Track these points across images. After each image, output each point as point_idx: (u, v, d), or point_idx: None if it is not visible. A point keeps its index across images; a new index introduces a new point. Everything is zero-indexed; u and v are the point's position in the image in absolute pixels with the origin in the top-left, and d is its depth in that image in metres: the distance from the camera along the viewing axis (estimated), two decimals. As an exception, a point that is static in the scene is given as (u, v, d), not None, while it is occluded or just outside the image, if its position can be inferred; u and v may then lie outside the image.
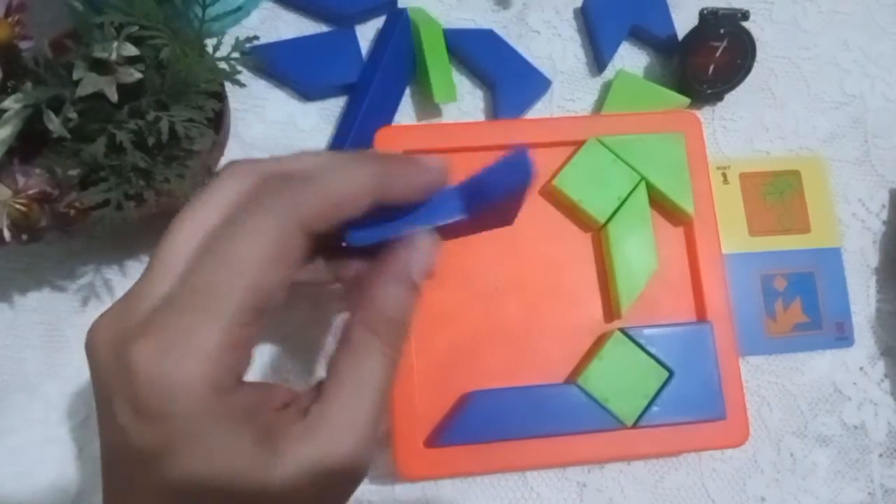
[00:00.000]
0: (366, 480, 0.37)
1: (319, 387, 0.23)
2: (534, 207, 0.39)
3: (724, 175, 0.42)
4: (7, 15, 0.31)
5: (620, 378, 0.35)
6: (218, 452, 0.20)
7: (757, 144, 0.44)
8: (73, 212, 0.32)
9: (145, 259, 0.39)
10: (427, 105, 0.42)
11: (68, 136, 0.31)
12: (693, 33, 0.42)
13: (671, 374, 0.35)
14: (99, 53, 0.30)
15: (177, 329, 0.20)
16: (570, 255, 0.38)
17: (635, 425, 0.35)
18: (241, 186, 0.22)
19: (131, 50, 0.31)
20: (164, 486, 0.20)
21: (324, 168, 0.23)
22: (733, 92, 0.43)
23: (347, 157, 0.24)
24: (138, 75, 0.31)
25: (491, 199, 0.24)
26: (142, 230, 0.38)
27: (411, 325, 0.25)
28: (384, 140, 0.37)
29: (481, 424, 0.34)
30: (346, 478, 0.22)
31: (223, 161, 0.39)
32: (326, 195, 0.22)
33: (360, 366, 0.23)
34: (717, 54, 0.42)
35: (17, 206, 0.30)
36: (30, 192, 0.31)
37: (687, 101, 0.42)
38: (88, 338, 0.22)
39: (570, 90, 0.44)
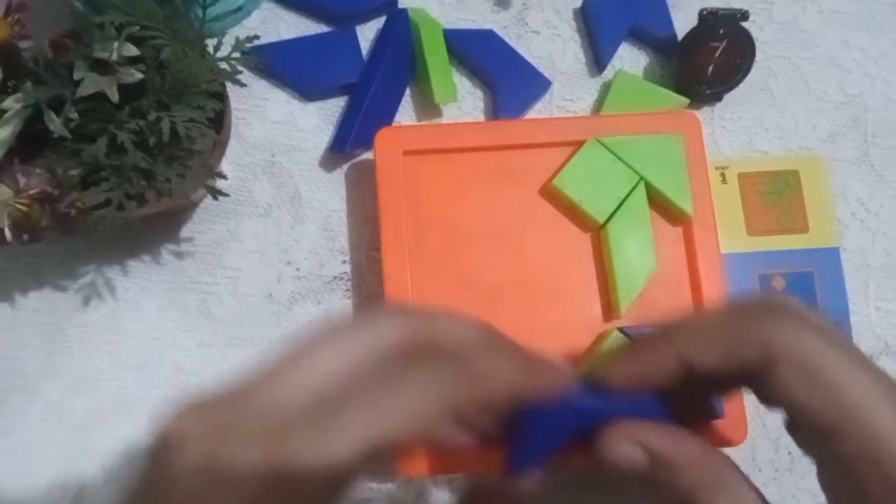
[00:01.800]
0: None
1: None
2: (534, 207, 0.39)
3: (723, 175, 0.42)
4: (7, 14, 0.31)
5: None
6: None
7: (756, 144, 0.44)
8: (74, 212, 0.32)
9: (146, 258, 0.39)
10: (427, 105, 0.42)
11: (69, 136, 0.31)
12: (692, 34, 0.42)
13: (670, 373, 0.35)
14: (100, 53, 0.30)
15: (301, 447, 0.18)
16: (570, 255, 0.38)
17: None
18: (395, 334, 0.22)
19: (132, 50, 0.31)
20: None
21: (476, 352, 0.23)
22: (733, 92, 0.43)
23: (496, 343, 0.24)
24: (139, 75, 0.31)
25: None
26: (143, 230, 0.38)
27: None
28: (384, 140, 0.38)
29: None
30: None
31: (224, 161, 0.39)
32: (481, 386, 0.22)
33: None
34: (717, 55, 0.42)
35: (19, 206, 0.30)
36: (31, 192, 0.31)
37: (686, 101, 0.42)
38: (173, 422, 0.19)
39: (569, 90, 0.44)
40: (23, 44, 0.31)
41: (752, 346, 0.22)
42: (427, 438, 0.21)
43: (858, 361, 0.22)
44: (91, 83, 0.30)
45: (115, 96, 0.31)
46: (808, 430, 0.22)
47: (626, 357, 0.26)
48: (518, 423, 0.26)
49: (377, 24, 0.43)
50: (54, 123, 0.30)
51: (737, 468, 0.25)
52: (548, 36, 0.44)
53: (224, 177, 0.37)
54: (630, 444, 0.25)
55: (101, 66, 0.31)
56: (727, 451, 0.39)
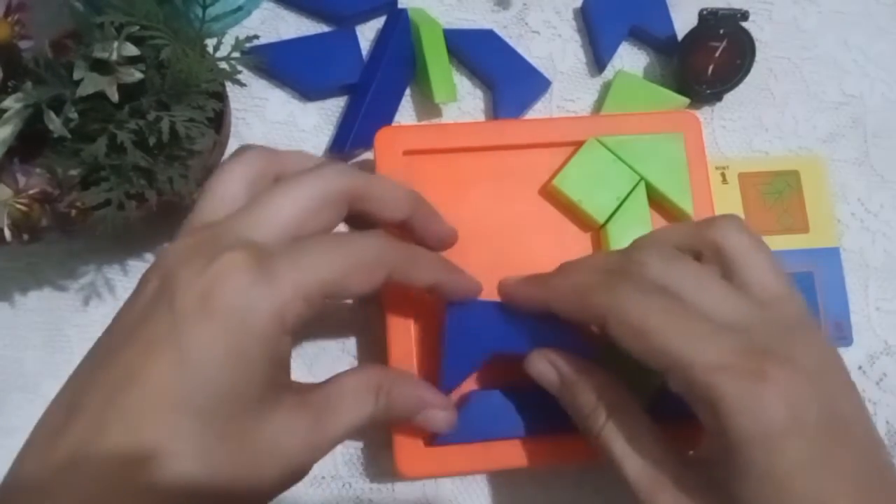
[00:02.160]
0: (366, 479, 0.37)
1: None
2: (534, 207, 0.39)
3: (723, 175, 0.42)
4: (7, 14, 0.31)
5: (619, 377, 0.35)
6: (250, 390, 0.22)
7: (756, 144, 0.44)
8: (73, 212, 0.32)
9: (147, 258, 0.39)
10: (427, 105, 0.42)
11: (69, 135, 0.31)
12: (692, 34, 0.42)
13: (670, 373, 0.36)
14: (99, 53, 0.30)
15: (280, 262, 0.23)
16: (570, 255, 0.38)
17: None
18: (340, 185, 0.27)
19: (132, 50, 0.31)
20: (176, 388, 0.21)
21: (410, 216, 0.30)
22: (733, 92, 0.43)
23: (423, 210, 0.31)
24: (139, 75, 0.31)
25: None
26: (143, 230, 0.38)
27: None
28: (384, 140, 0.38)
29: (482, 423, 0.34)
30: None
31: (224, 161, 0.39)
32: (413, 265, 0.28)
33: (348, 407, 0.26)
34: (717, 55, 0.42)
35: (18, 205, 0.30)
36: (30, 191, 0.31)
37: (686, 101, 0.42)
38: (166, 251, 0.24)
39: (569, 90, 0.44)
40: (23, 44, 0.31)
41: (592, 309, 0.27)
42: (361, 288, 0.25)
43: (674, 312, 0.26)
44: (91, 83, 0.30)
45: (114, 96, 0.31)
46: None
47: (511, 282, 0.32)
48: (447, 341, 0.32)
49: (377, 24, 0.43)
50: (54, 123, 0.30)
51: (634, 402, 0.29)
52: (548, 36, 0.44)
53: (224, 177, 0.37)
54: (545, 363, 0.30)
55: (101, 66, 0.31)
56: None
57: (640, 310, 0.26)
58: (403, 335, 0.35)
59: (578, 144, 0.38)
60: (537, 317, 0.31)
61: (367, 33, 0.43)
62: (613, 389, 0.29)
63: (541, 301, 0.30)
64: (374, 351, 0.38)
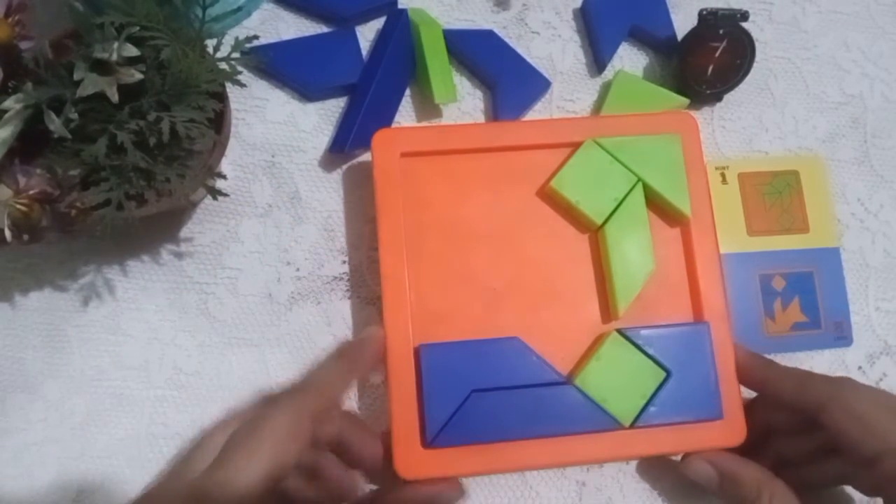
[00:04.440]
0: (364, 479, 0.37)
1: None
2: (532, 209, 0.39)
3: (723, 175, 0.42)
4: (7, 15, 0.31)
5: (618, 378, 0.35)
6: None
7: (756, 144, 0.44)
8: (74, 212, 0.32)
9: (146, 258, 0.39)
10: (427, 105, 0.42)
11: (69, 136, 0.31)
12: (692, 34, 0.42)
13: (668, 374, 0.36)
14: (100, 54, 0.30)
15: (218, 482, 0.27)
16: (568, 256, 0.38)
17: (633, 425, 0.35)
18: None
19: (132, 50, 0.31)
20: None
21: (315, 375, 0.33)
22: (733, 92, 0.43)
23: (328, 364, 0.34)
24: (139, 76, 0.31)
25: None
26: (143, 230, 0.38)
27: None
28: (382, 142, 0.38)
29: (480, 425, 0.34)
30: None
31: (224, 161, 0.39)
32: (322, 392, 0.32)
33: None
34: (717, 55, 0.42)
35: (19, 206, 0.30)
36: (31, 192, 0.31)
37: (686, 101, 0.42)
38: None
39: (569, 91, 0.44)
40: (23, 44, 0.32)
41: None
42: (308, 443, 0.29)
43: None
44: (91, 83, 0.30)
45: (115, 96, 0.31)
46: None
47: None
48: (424, 385, 0.34)
49: (377, 24, 0.43)
50: (54, 124, 0.30)
51: (790, 492, 0.32)
52: (548, 36, 0.44)
53: (224, 177, 0.37)
54: (703, 464, 0.34)
55: (102, 67, 0.31)
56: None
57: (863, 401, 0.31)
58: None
59: (576, 146, 0.38)
60: (511, 354, 0.35)
61: (367, 33, 0.43)
62: (767, 475, 0.33)
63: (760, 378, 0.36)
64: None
